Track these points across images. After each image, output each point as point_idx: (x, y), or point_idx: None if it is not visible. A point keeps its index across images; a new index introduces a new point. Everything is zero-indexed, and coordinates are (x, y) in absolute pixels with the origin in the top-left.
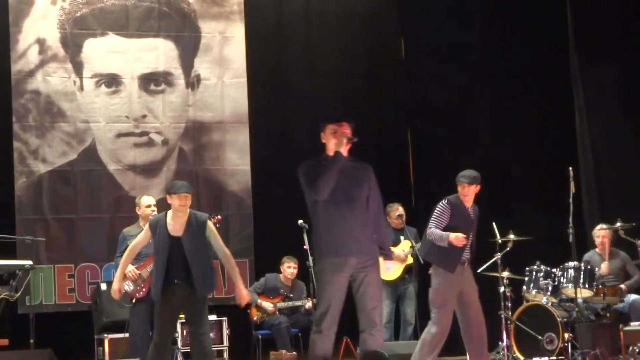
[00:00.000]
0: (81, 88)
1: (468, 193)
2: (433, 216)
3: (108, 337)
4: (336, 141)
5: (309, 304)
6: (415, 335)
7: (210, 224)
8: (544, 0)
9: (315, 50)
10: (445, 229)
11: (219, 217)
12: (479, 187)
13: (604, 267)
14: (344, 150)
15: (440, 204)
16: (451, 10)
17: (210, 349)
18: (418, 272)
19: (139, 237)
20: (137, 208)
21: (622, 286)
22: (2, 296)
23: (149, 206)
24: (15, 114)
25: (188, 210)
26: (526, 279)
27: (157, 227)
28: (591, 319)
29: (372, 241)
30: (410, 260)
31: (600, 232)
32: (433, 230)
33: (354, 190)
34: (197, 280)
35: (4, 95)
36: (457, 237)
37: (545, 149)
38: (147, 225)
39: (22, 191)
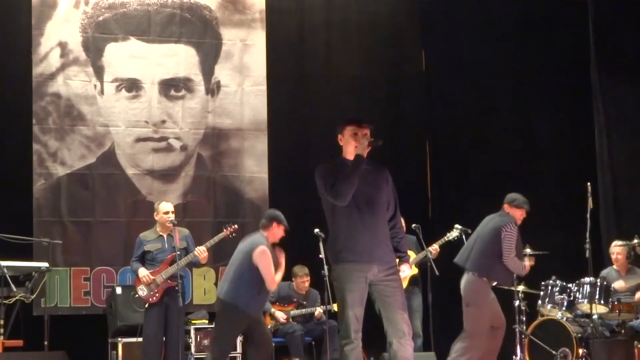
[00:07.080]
0: (101, 92)
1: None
2: (511, 243)
3: (122, 341)
4: (357, 144)
5: (318, 310)
6: (426, 348)
7: None
8: (565, 16)
9: (336, 60)
10: None
11: (235, 226)
12: None
13: (621, 283)
14: (365, 154)
15: (511, 228)
16: (473, 25)
17: None
18: (432, 284)
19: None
20: (155, 213)
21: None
22: (17, 297)
23: (166, 212)
24: (35, 116)
25: None
26: (541, 293)
27: None
28: (606, 335)
29: (392, 249)
30: (415, 270)
31: (616, 249)
32: (516, 260)
33: (374, 194)
34: None
35: (25, 97)
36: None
37: (564, 164)
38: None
39: (40, 193)
